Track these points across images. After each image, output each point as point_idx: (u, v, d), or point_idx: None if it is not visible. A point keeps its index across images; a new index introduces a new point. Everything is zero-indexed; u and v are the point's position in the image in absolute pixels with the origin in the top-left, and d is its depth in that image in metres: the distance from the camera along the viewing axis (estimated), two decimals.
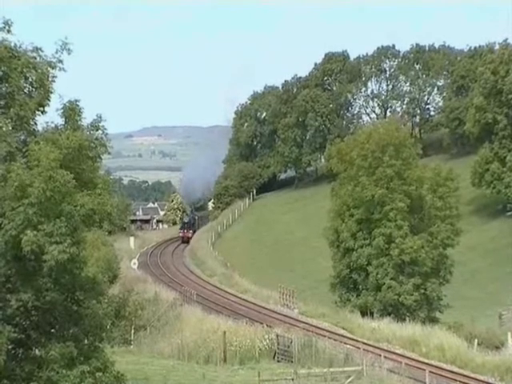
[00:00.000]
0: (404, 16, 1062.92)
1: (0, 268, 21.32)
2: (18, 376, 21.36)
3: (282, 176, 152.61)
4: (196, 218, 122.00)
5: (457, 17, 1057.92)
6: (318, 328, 51.56)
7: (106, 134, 22.67)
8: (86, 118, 22.55)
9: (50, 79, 22.20)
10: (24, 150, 21.54)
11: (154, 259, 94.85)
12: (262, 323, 50.98)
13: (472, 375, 40.57)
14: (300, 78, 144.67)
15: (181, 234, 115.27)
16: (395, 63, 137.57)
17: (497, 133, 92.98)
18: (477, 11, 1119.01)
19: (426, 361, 43.32)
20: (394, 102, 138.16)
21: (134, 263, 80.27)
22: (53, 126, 22.35)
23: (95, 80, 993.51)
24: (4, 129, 21.24)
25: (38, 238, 19.99)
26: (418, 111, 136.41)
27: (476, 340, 46.24)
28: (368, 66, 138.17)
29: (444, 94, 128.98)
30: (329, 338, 46.87)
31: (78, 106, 22.40)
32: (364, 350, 43.44)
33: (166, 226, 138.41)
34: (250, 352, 44.21)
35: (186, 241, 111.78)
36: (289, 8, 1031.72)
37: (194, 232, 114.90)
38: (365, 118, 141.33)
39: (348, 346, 44.92)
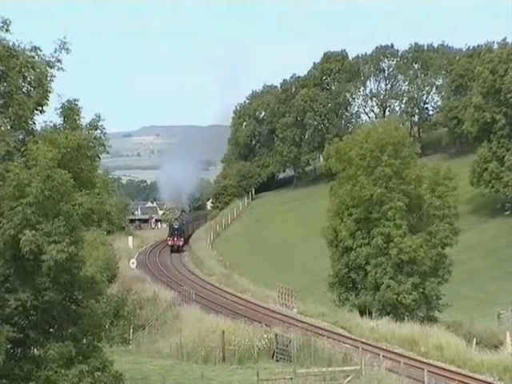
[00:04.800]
0: (403, 15, 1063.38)
1: None
2: (16, 375, 21.34)
3: (281, 175, 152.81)
4: (184, 222, 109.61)
5: (455, 16, 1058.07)
6: (317, 327, 51.58)
7: (105, 133, 22.65)
8: (85, 118, 22.55)
9: (48, 79, 22.16)
10: (22, 149, 21.51)
11: (153, 258, 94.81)
12: (260, 323, 50.98)
13: (470, 374, 40.57)
14: (299, 77, 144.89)
15: (170, 243, 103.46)
16: (394, 63, 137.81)
17: (495, 132, 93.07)
18: (475, 11, 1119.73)
19: (425, 360, 43.32)
20: (392, 101, 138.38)
21: (133, 263, 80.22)
22: (51, 125, 22.32)
23: (94, 79, 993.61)
24: (2, 128, 21.21)
25: (37, 237, 19.96)
26: (417, 110, 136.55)
27: (475, 339, 46.27)
28: (367, 66, 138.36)
29: (442, 94, 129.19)
30: (327, 337, 46.88)
31: (76, 105, 22.37)
32: (363, 349, 43.44)
33: (164, 225, 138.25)
34: (248, 351, 44.20)
35: (176, 250, 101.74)
36: (288, 7, 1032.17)
37: (185, 240, 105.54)
38: (363, 117, 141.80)
39: (347, 346, 44.92)
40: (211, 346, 44.35)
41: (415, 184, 54.81)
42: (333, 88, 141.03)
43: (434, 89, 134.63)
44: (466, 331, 48.58)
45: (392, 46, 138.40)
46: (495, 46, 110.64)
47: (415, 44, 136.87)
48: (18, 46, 22.04)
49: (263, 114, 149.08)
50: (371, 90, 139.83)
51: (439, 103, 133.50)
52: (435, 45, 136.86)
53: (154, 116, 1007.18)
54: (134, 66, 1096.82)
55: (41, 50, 22.20)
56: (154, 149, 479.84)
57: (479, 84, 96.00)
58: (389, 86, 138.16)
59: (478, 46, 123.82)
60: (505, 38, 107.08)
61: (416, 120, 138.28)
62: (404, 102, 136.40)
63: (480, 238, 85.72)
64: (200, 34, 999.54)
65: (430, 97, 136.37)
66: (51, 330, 22.19)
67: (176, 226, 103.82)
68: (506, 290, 65.50)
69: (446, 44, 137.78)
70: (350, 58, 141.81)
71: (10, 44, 21.94)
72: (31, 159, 20.56)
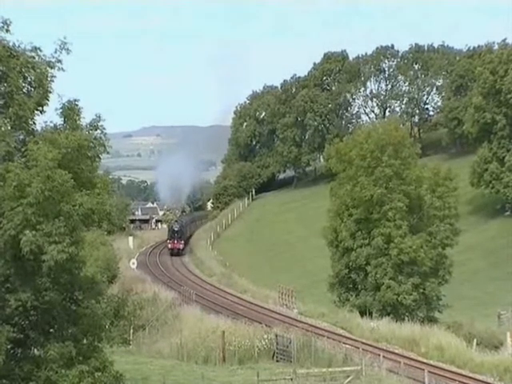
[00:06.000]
0: (403, 15, 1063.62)
1: None
2: (16, 376, 21.33)
3: (281, 176, 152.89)
4: (184, 224, 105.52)
5: (455, 16, 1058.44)
6: (317, 328, 51.54)
7: (105, 133, 22.62)
8: (85, 118, 22.53)
9: (48, 79, 22.14)
10: (23, 149, 21.50)
11: (153, 259, 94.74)
12: (260, 323, 50.95)
13: (471, 375, 40.57)
14: (299, 77, 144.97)
15: (170, 246, 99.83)
16: (394, 63, 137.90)
17: (495, 133, 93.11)
18: (475, 11, 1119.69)
19: (425, 360, 43.30)
20: (392, 101, 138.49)
21: (133, 263, 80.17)
22: (52, 125, 22.30)
23: (94, 79, 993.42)
24: (3, 128, 21.19)
25: (37, 238, 19.94)
26: (417, 111, 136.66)
27: (475, 340, 46.24)
28: (367, 66, 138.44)
29: (443, 94, 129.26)
30: (328, 337, 46.84)
31: (76, 105, 22.35)
32: (363, 349, 43.43)
33: (164, 225, 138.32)
34: (248, 352, 44.17)
35: (176, 253, 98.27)
36: (288, 7, 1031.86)
37: (185, 243, 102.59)
38: (364, 117, 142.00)
39: (347, 346, 44.90)
40: (211, 346, 44.35)
41: (415, 184, 54.80)
42: (333, 88, 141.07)
43: (435, 89, 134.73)
44: (467, 332, 48.54)
45: (392, 46, 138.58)
46: (495, 47, 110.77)
47: (415, 44, 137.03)
48: (19, 46, 22.03)
49: (263, 114, 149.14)
50: (371, 90, 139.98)
51: (439, 104, 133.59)
52: (435, 45, 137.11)
53: (155, 116, 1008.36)
54: (134, 66, 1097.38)
55: (41, 51, 22.20)
56: (155, 149, 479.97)
57: (479, 84, 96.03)
58: (389, 86, 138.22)
59: (479, 46, 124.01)
60: (505, 39, 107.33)
61: (416, 120, 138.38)
62: (404, 102, 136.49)
63: (480, 239, 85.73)
64: (200, 34, 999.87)
65: (430, 97, 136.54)
66: (51, 330, 22.17)
67: (176, 229, 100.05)
68: (506, 290, 65.45)
69: (446, 44, 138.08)
70: (351, 58, 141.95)
71: (11, 44, 21.93)
72: (31, 159, 20.54)
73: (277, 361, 43.69)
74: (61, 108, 22.32)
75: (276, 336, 44.70)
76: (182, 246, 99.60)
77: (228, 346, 43.99)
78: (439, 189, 55.32)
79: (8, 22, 21.83)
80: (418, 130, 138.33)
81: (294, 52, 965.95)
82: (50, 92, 22.25)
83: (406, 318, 52.22)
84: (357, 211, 55.28)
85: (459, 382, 39.00)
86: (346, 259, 56.05)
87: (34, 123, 22.30)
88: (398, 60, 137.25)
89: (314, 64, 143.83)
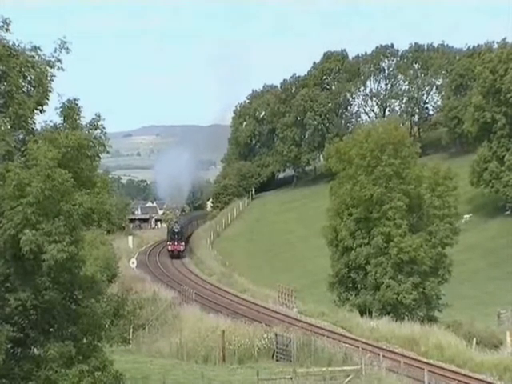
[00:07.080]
0: (403, 15, 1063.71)
1: None
2: (16, 375, 21.30)
3: (281, 175, 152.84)
4: (184, 225, 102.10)
5: (455, 16, 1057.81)
6: (317, 327, 51.57)
7: (105, 132, 22.58)
8: (85, 117, 22.50)
9: (48, 78, 22.12)
10: (22, 149, 21.48)
11: (153, 258, 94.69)
12: (260, 322, 50.95)
13: (470, 374, 40.57)
14: (299, 77, 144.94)
15: (170, 248, 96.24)
16: (394, 62, 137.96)
17: (495, 132, 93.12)
18: (475, 11, 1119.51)
19: (425, 360, 43.32)
20: (392, 101, 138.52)
21: (133, 262, 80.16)
22: (51, 124, 22.28)
23: (94, 79, 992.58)
24: (2, 128, 21.16)
25: (37, 237, 19.91)
26: (417, 110, 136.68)
27: (475, 339, 46.26)
28: (367, 65, 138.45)
29: (443, 93, 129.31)
30: (327, 337, 46.86)
31: (76, 104, 22.31)
32: (363, 349, 43.45)
33: (164, 225, 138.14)
34: (248, 351, 44.20)
35: (176, 256, 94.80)
36: (288, 6, 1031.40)
37: (186, 244, 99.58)
38: (364, 116, 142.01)
39: (347, 345, 44.90)
40: (211, 345, 44.36)
41: (415, 184, 54.82)
42: (333, 88, 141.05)
43: (434, 88, 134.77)
44: (466, 331, 48.57)
45: (392, 45, 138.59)
46: (495, 46, 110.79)
47: (415, 44, 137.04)
48: (18, 45, 21.99)
49: (263, 113, 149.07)
50: (371, 89, 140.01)
51: (439, 103, 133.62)
52: (435, 45, 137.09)
53: (154, 116, 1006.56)
54: (134, 66, 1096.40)
55: (41, 50, 22.14)
56: (154, 148, 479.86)
57: (479, 84, 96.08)
58: (389, 85, 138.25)
59: (478, 45, 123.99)
60: (505, 38, 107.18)
61: (416, 120, 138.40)
62: (404, 101, 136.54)
63: (480, 238, 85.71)
64: (200, 34, 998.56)
65: (430, 96, 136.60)
66: (51, 329, 22.14)
67: (176, 230, 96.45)
68: (506, 289, 65.47)
69: (446, 44, 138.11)
70: (350, 57, 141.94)
71: (10, 44, 21.92)
72: (31, 159, 20.51)
73: (277, 360, 43.70)
74: (61, 107, 22.28)
75: (276, 335, 44.71)
76: (182, 248, 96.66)
77: (228, 346, 44.00)
78: (439, 188, 55.32)
79: (8, 21, 21.81)
80: (418, 129, 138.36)
81: (294, 52, 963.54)
82: (50, 91, 22.22)
83: (406, 318, 52.26)
84: (356, 210, 55.30)
85: (459, 381, 38.98)
86: (345, 258, 56.06)
87: (34, 122, 22.28)
88: (398, 59, 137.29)
89: (314, 63, 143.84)
